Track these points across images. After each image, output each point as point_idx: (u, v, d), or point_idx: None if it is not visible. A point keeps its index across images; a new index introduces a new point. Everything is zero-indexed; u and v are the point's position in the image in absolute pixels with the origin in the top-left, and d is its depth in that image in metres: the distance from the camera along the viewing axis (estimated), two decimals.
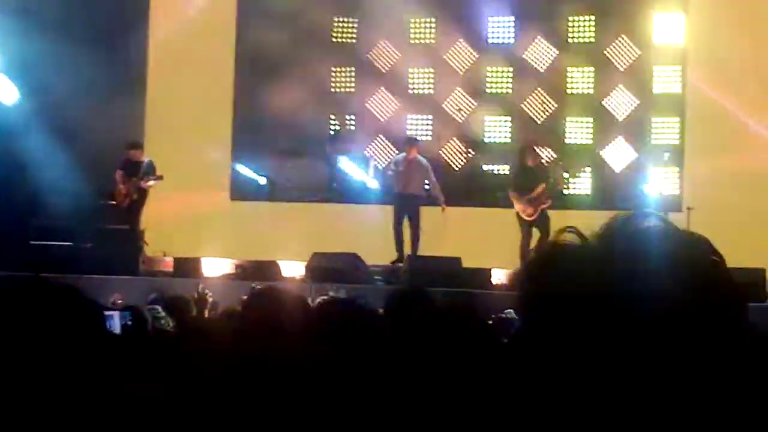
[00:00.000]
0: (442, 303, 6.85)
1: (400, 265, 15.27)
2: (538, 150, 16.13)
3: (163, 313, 7.39)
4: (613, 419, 1.23)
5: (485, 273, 14.77)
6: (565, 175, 17.16)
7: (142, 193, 15.99)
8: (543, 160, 15.94)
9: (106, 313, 6.57)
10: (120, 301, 11.62)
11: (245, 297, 9.58)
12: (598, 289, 1.26)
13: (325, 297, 8.56)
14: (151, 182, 15.87)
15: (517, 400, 1.28)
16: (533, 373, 1.27)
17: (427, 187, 16.05)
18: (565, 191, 17.38)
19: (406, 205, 15.73)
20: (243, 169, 18.13)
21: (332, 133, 18.12)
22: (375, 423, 2.75)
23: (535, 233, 15.03)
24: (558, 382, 1.25)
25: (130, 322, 6.90)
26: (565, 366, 1.25)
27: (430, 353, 2.48)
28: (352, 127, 18.48)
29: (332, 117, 18.41)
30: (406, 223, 15.71)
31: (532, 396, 1.27)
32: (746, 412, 1.25)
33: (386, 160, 17.69)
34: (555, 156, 16.71)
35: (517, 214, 15.21)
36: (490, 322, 6.81)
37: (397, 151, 17.85)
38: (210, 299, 10.63)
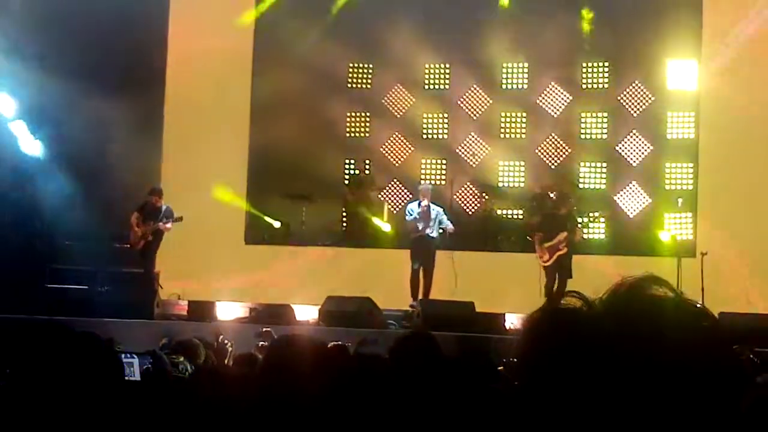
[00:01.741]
0: (450, 348, 6.87)
1: (413, 309, 15.31)
2: (567, 197, 16.15)
3: (182, 358, 7.40)
4: None
5: (499, 318, 14.78)
6: (581, 223, 17.09)
7: (158, 236, 16.09)
8: (572, 210, 15.95)
9: (126, 359, 6.62)
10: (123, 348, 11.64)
11: (262, 343, 9.61)
12: (600, 360, 1.28)
13: (335, 343, 8.57)
14: (169, 224, 16.00)
15: None
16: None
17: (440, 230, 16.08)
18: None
19: (421, 248, 15.79)
20: (258, 213, 18.21)
21: (348, 177, 18.24)
22: None
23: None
24: None
25: (150, 367, 6.91)
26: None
27: (431, 400, 2.52)
28: (367, 172, 18.57)
29: (347, 161, 18.52)
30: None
31: None
32: None
33: (401, 204, 17.77)
34: (575, 206, 16.66)
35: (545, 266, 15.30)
36: (501, 367, 6.82)
37: (411, 195, 17.95)
38: (230, 349, 10.66)
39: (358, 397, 3.09)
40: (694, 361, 1.28)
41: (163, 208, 16.18)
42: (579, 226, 15.82)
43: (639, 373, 1.27)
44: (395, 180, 18.47)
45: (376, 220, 17.58)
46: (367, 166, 18.61)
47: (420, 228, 15.80)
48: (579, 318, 1.33)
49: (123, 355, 6.27)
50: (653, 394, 1.26)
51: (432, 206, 16.01)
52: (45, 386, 2.59)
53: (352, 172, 18.46)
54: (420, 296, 15.57)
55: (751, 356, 8.30)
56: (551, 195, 16.31)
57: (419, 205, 15.97)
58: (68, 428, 2.54)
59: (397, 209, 17.81)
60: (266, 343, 8.46)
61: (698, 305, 1.36)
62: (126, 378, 6.45)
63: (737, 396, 1.31)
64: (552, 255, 15.23)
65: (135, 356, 7.15)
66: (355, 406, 3.07)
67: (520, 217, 17.97)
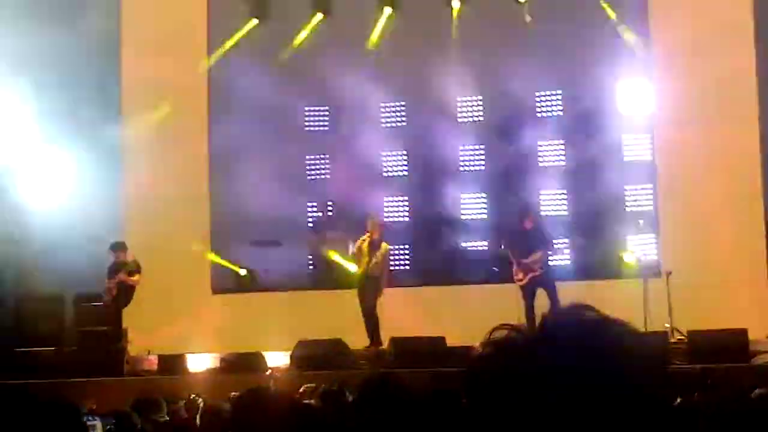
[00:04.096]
0: (424, 385, 6.87)
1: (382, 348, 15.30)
2: (534, 214, 16.16)
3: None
4: None
5: (471, 350, 14.72)
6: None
7: (125, 291, 16.00)
8: (539, 225, 15.96)
9: (89, 422, 6.56)
10: (94, 406, 11.53)
11: (233, 396, 9.56)
12: (538, 387, 1.32)
13: (308, 386, 8.57)
14: (135, 277, 15.93)
15: None
16: None
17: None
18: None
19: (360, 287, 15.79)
20: (222, 261, 18.17)
21: (311, 220, 18.22)
22: None
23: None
24: None
25: (112, 428, 6.87)
26: None
27: None
28: (330, 213, 18.59)
29: (310, 204, 18.52)
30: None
31: None
32: None
33: None
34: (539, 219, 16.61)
35: (520, 286, 15.25)
36: None
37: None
38: (201, 404, 10.59)
39: None
40: (626, 378, 1.33)
41: (129, 261, 16.12)
42: (550, 241, 15.83)
43: (575, 396, 1.31)
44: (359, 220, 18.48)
45: (342, 261, 17.56)
46: (330, 208, 18.63)
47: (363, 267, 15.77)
48: (514, 349, 1.37)
49: (86, 418, 6.24)
50: (590, 416, 1.30)
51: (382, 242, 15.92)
52: None
53: (315, 215, 18.46)
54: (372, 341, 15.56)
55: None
56: (531, 212, 16.26)
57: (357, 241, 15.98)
58: None
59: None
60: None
61: (626, 324, 1.41)
62: None
63: (667, 408, 1.36)
64: (526, 275, 15.24)
65: (97, 418, 7.11)
66: None
67: (485, 248, 18.05)
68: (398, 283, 17.48)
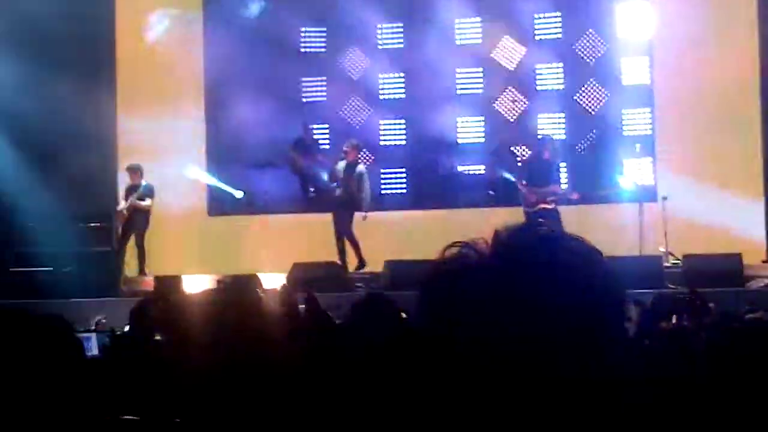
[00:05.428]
0: (410, 309, 6.89)
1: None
2: (553, 145, 16.18)
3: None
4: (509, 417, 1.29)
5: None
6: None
7: (138, 215, 16.03)
8: (555, 158, 16.04)
9: (83, 335, 6.61)
10: (104, 321, 11.62)
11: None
12: (490, 302, 1.32)
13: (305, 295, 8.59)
14: (146, 201, 15.97)
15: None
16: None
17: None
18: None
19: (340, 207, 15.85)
20: (219, 184, 18.15)
21: (294, 142, 17.94)
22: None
23: None
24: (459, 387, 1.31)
25: (107, 343, 6.92)
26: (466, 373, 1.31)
27: (387, 362, 2.54)
28: (327, 137, 18.52)
29: (312, 127, 18.35)
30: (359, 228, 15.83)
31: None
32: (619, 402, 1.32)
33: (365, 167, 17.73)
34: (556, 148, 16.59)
35: (525, 211, 15.28)
36: None
37: (373, 158, 17.96)
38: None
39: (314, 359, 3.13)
40: (576, 292, 1.32)
41: (142, 184, 16.14)
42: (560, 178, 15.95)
43: (525, 310, 1.30)
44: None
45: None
46: (326, 131, 18.56)
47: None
48: (466, 266, 1.36)
49: (80, 334, 6.28)
50: (543, 331, 1.30)
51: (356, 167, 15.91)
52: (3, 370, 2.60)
53: (313, 137, 18.36)
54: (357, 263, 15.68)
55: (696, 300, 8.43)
56: (554, 143, 16.32)
57: (336, 164, 16.01)
58: (25, 410, 2.54)
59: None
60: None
61: (580, 239, 1.40)
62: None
63: (621, 326, 1.36)
64: (538, 202, 15.27)
65: (92, 334, 7.18)
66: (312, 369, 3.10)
67: (482, 172, 18.03)
68: (395, 206, 17.51)
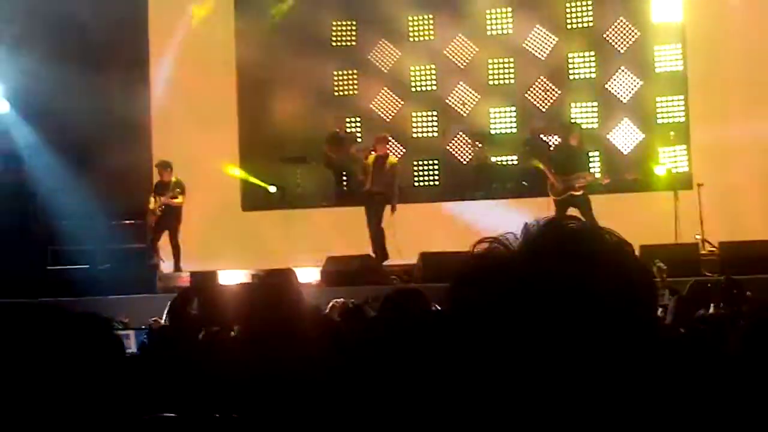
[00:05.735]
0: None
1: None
2: (580, 131, 16.06)
3: None
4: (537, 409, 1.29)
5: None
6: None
7: (171, 212, 16.09)
8: (583, 144, 15.90)
9: (121, 332, 6.65)
10: (126, 320, 11.65)
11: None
12: (519, 297, 1.31)
13: (337, 300, 8.60)
14: (178, 198, 16.01)
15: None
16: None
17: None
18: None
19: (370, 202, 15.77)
20: (252, 179, 18.18)
21: (327, 136, 17.91)
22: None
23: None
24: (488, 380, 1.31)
25: (145, 340, 6.96)
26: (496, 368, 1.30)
27: (418, 354, 2.53)
28: (359, 129, 18.52)
29: (346, 120, 18.32)
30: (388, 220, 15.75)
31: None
32: (652, 401, 1.31)
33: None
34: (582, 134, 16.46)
35: (555, 200, 15.18)
36: None
37: (405, 150, 17.94)
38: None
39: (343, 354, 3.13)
40: (612, 285, 1.31)
41: (173, 181, 16.18)
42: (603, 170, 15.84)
43: (555, 303, 1.29)
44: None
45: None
46: (358, 124, 18.56)
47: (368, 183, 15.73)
48: (496, 261, 1.36)
49: (120, 331, 6.32)
50: (574, 324, 1.29)
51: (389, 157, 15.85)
52: (40, 368, 2.60)
53: (345, 131, 18.35)
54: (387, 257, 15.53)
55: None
56: (581, 129, 16.22)
57: (366, 158, 15.96)
58: (63, 409, 2.55)
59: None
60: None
61: (609, 231, 1.39)
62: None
63: (652, 318, 1.35)
64: (566, 190, 15.13)
65: (131, 331, 7.22)
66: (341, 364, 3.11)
67: (515, 163, 17.97)
68: (428, 198, 17.47)
